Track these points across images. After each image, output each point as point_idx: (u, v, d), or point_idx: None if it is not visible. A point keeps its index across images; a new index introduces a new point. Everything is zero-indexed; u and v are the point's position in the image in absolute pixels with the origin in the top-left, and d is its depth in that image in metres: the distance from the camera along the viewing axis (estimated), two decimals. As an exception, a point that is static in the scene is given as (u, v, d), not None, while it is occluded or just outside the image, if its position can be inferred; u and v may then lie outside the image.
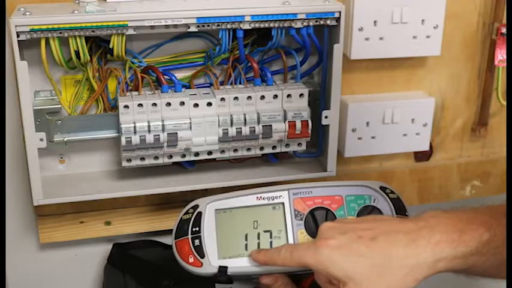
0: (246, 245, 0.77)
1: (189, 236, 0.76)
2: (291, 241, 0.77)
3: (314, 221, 0.78)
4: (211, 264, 0.75)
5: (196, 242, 0.76)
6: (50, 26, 0.76)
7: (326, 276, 0.69)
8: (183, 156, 0.86)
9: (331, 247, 0.68)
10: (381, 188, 0.81)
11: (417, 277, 0.66)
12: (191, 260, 0.75)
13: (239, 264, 0.75)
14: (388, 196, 0.81)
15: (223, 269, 0.74)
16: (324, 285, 0.71)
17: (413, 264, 0.65)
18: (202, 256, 0.75)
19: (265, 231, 0.78)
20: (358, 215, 0.79)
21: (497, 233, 0.66)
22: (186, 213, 0.77)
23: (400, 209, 0.80)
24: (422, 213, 0.71)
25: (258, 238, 0.77)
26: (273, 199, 0.79)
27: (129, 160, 0.85)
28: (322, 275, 0.70)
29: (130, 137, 0.81)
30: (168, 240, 0.95)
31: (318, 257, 0.68)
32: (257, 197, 0.79)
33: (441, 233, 0.66)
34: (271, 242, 0.77)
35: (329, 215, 0.78)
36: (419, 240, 0.66)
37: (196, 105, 0.84)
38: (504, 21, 0.98)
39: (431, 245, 0.66)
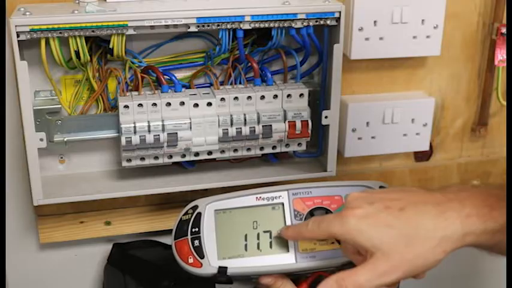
0: (246, 245, 0.77)
1: (189, 236, 0.76)
2: (290, 242, 0.77)
3: (314, 221, 0.78)
4: (210, 264, 0.75)
5: (196, 242, 0.75)
6: (50, 26, 0.76)
7: (353, 246, 0.68)
8: (183, 156, 0.86)
9: (359, 217, 0.66)
10: (381, 188, 0.81)
11: (445, 249, 0.64)
12: (191, 260, 0.75)
13: (239, 264, 0.75)
14: (388, 196, 0.81)
15: (223, 270, 0.74)
16: (351, 256, 0.70)
17: (442, 236, 0.64)
18: (202, 257, 0.75)
19: (264, 232, 0.77)
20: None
21: None
22: (186, 213, 0.77)
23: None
24: (448, 186, 0.69)
25: (258, 238, 0.77)
26: (273, 199, 0.79)
27: (129, 160, 0.85)
28: (349, 245, 0.69)
29: (130, 137, 0.81)
30: (168, 240, 0.95)
31: (345, 226, 0.67)
32: (256, 197, 0.79)
33: (472, 206, 0.65)
34: (270, 243, 0.77)
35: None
36: (448, 211, 0.65)
37: (196, 105, 0.84)
38: (504, 21, 0.98)
39: (461, 218, 0.64)
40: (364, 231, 0.66)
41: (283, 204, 0.79)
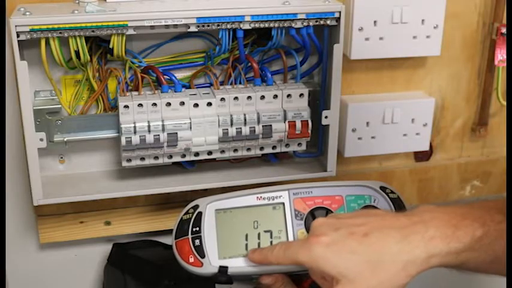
0: (247, 245, 0.77)
1: (190, 236, 0.76)
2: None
3: (314, 221, 0.78)
4: (211, 264, 0.75)
5: (197, 242, 0.75)
6: (50, 26, 0.76)
7: (319, 273, 0.69)
8: (183, 156, 0.86)
9: (324, 244, 0.67)
10: (381, 188, 0.81)
11: (410, 273, 0.65)
12: (191, 260, 0.75)
13: (239, 264, 0.75)
14: (388, 196, 0.81)
15: (223, 269, 0.74)
16: (318, 281, 0.70)
17: (406, 260, 0.65)
18: (203, 256, 0.75)
19: (265, 231, 0.78)
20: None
21: (490, 229, 0.66)
22: (186, 213, 0.77)
23: (400, 209, 0.80)
24: (415, 207, 0.70)
25: (259, 238, 0.77)
26: (273, 199, 0.79)
27: (129, 160, 0.85)
28: (316, 272, 0.69)
29: (130, 137, 0.81)
30: (168, 240, 0.95)
31: (310, 254, 0.67)
32: (257, 197, 0.79)
33: (435, 228, 0.66)
34: (271, 242, 0.77)
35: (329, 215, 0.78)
36: (412, 235, 0.66)
37: (196, 105, 0.84)
38: (504, 21, 0.98)
39: (425, 241, 0.65)
40: (330, 259, 0.67)
41: (283, 204, 0.79)
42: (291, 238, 0.78)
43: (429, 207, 0.70)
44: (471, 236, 0.65)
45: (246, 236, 0.77)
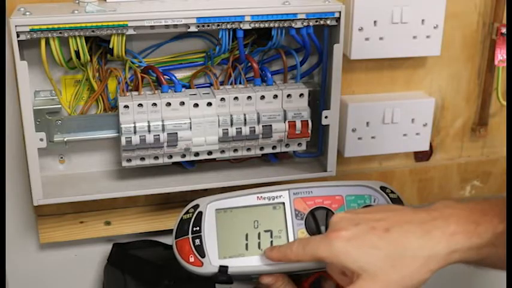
0: (247, 244, 0.77)
1: (190, 235, 0.76)
2: (291, 241, 0.77)
3: (314, 220, 0.78)
4: (211, 263, 0.75)
5: (197, 241, 0.76)
6: (50, 26, 0.76)
7: (340, 268, 0.69)
8: (183, 156, 0.86)
9: (345, 239, 0.67)
10: (381, 188, 0.81)
11: (431, 268, 0.65)
12: (192, 259, 0.75)
13: (240, 263, 0.75)
14: (388, 196, 0.81)
15: (223, 269, 0.74)
16: (337, 277, 0.70)
17: (427, 255, 0.65)
18: (203, 256, 0.75)
19: (265, 231, 0.78)
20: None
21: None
22: (187, 212, 0.78)
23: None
24: (433, 203, 0.70)
25: (259, 238, 0.77)
26: (274, 199, 0.79)
27: (129, 160, 0.85)
28: (336, 267, 0.69)
29: (130, 137, 0.81)
30: (168, 240, 0.95)
31: (331, 249, 0.67)
32: (257, 197, 0.79)
33: (456, 224, 0.66)
34: (271, 242, 0.77)
35: (329, 215, 0.78)
36: (433, 231, 0.66)
37: (196, 105, 0.84)
38: (504, 21, 0.98)
39: (446, 236, 0.65)
40: (351, 253, 0.66)
41: (284, 203, 0.79)
42: (291, 238, 0.78)
43: (448, 202, 0.69)
44: (492, 232, 0.65)
45: (246, 235, 0.77)
